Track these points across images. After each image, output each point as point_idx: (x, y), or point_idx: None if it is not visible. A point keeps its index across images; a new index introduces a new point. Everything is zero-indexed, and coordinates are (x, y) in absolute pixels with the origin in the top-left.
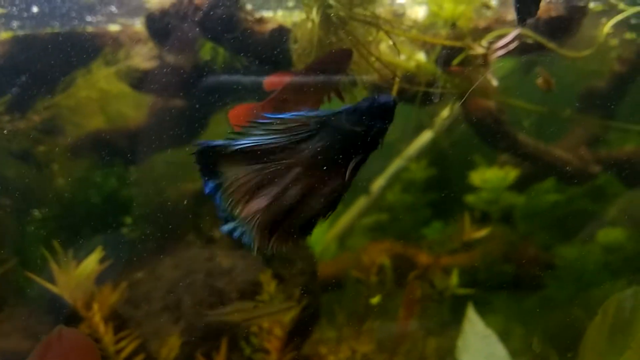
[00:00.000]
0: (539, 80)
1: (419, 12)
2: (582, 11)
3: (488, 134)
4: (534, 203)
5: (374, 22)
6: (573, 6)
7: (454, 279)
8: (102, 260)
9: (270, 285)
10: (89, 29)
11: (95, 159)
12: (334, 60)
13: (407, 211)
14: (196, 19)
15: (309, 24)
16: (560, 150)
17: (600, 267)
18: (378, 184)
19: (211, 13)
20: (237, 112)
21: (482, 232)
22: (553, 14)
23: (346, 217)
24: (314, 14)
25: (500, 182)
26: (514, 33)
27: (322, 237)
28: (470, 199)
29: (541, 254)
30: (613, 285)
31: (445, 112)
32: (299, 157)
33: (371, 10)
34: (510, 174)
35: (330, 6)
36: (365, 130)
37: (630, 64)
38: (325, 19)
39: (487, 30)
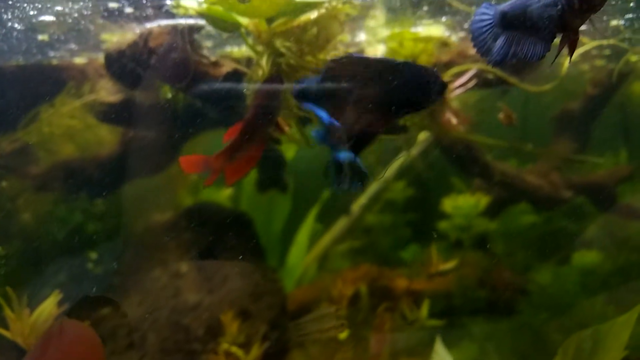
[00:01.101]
0: (501, 115)
1: (377, 51)
2: None
3: (458, 159)
4: (510, 226)
5: None
6: None
7: (424, 310)
8: (64, 299)
9: (232, 326)
10: (54, 62)
11: (61, 193)
12: (266, 95)
13: (386, 232)
14: (150, 62)
15: (260, 72)
16: (532, 176)
17: (577, 289)
18: (359, 203)
19: (165, 57)
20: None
21: (449, 265)
22: None
23: (326, 238)
24: (264, 62)
25: (472, 208)
26: (471, 72)
27: (301, 259)
28: (443, 225)
29: (517, 278)
30: (592, 307)
31: (422, 135)
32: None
33: (322, 57)
34: (482, 200)
35: (281, 54)
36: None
37: (602, 86)
38: (276, 66)
39: (450, 64)
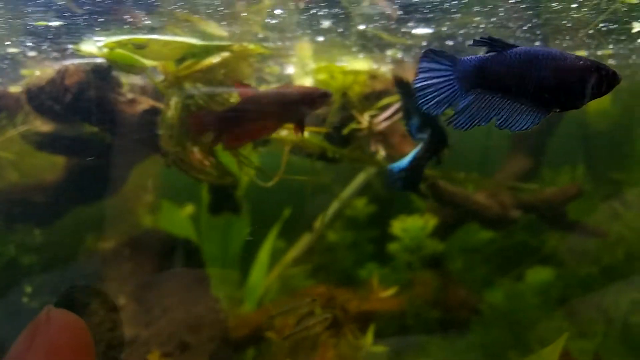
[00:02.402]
0: None
1: (305, 83)
2: None
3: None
4: (462, 245)
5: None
6: None
7: (369, 336)
8: None
9: None
10: None
11: None
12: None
13: (347, 250)
14: (66, 100)
15: (169, 112)
16: (481, 196)
17: (532, 307)
18: (321, 221)
19: (80, 95)
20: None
21: (388, 292)
22: None
23: (288, 257)
24: (173, 103)
25: (420, 230)
26: (395, 106)
27: (263, 279)
28: (393, 247)
29: (470, 296)
30: (548, 325)
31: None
32: None
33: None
34: (430, 222)
35: (190, 96)
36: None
37: None
38: (186, 107)
39: (385, 93)
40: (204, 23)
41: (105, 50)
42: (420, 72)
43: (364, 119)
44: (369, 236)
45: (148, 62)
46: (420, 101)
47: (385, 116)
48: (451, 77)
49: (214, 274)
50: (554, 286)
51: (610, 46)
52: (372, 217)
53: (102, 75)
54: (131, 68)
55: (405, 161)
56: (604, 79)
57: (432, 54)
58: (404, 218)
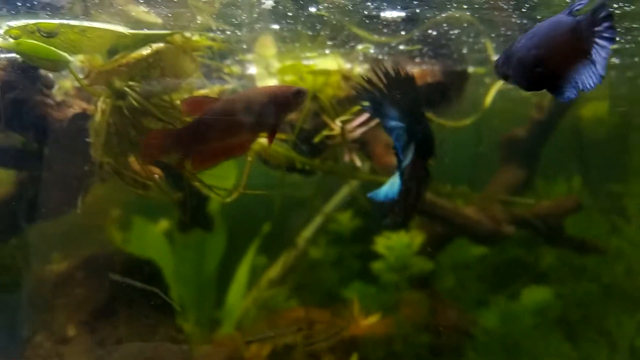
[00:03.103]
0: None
1: (271, 83)
2: (462, 76)
3: None
4: (452, 262)
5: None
6: (451, 71)
7: None
8: None
9: None
10: None
11: None
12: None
13: (331, 267)
14: None
15: (98, 116)
16: (471, 210)
17: (529, 329)
18: (304, 236)
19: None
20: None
21: (371, 320)
22: (430, 80)
23: (269, 274)
24: (101, 104)
25: (405, 248)
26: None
27: (241, 298)
28: (377, 266)
29: (463, 319)
30: (547, 349)
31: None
32: None
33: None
34: (417, 239)
35: (122, 96)
36: None
37: (548, 111)
38: (118, 110)
39: None
40: (131, 7)
41: (10, 40)
42: None
43: (336, 126)
44: (354, 252)
45: (68, 56)
46: None
47: (358, 122)
48: None
49: (188, 294)
50: (552, 306)
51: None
52: (357, 232)
53: (27, 73)
54: (48, 64)
55: (394, 188)
56: None
57: None
58: (388, 234)
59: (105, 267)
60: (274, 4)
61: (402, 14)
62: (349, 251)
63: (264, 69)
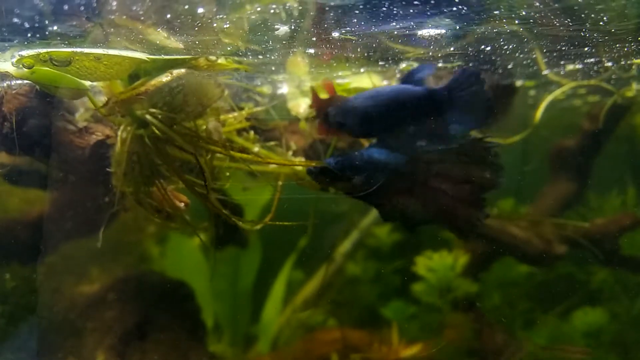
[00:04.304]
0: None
1: (301, 106)
2: (510, 89)
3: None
4: (498, 280)
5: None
6: (499, 85)
7: None
8: None
9: None
10: None
11: None
12: None
13: (370, 283)
14: (4, 131)
15: (118, 145)
16: (518, 228)
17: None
18: (341, 251)
19: (21, 124)
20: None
21: (413, 350)
22: None
23: (306, 290)
24: (121, 133)
25: (448, 270)
26: None
27: (277, 315)
28: (417, 288)
29: (510, 342)
30: None
31: None
32: None
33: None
34: (460, 259)
35: (144, 124)
36: None
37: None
38: (139, 138)
39: None
40: (151, 31)
41: (24, 69)
42: None
43: None
44: (393, 268)
45: (85, 83)
46: None
47: None
48: None
49: (223, 310)
50: (606, 329)
51: None
52: (396, 247)
53: (48, 98)
54: (64, 92)
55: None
56: None
57: None
58: (429, 254)
59: (138, 289)
60: (288, 30)
61: (443, 30)
62: (388, 267)
63: (296, 87)
